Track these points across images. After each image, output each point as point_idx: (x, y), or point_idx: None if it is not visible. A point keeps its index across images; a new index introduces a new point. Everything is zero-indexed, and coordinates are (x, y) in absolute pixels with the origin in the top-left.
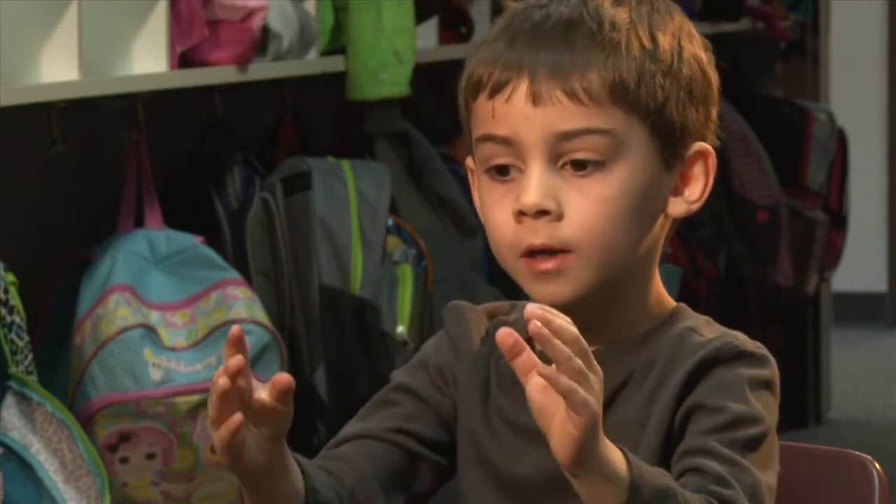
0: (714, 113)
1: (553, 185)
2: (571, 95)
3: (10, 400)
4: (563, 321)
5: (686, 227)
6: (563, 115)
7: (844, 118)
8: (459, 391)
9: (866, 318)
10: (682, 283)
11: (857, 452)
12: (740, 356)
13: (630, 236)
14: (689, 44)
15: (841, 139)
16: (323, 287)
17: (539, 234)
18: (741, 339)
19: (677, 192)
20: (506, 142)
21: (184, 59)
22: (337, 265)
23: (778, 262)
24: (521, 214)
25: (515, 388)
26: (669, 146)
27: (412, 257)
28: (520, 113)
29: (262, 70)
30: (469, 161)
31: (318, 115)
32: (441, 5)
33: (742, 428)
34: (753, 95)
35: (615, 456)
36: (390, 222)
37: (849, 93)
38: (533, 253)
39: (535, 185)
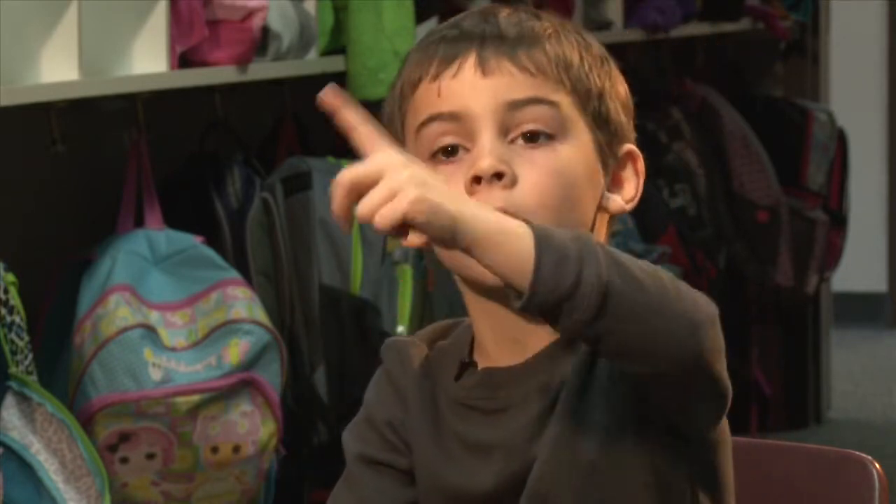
0: (633, 132)
1: (504, 153)
2: (520, 66)
3: (10, 400)
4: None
5: (686, 227)
6: (512, 84)
7: (844, 118)
8: (411, 430)
9: (866, 318)
10: None
11: (857, 452)
12: None
13: (577, 214)
14: (615, 65)
15: (841, 139)
16: (323, 287)
17: (495, 198)
18: None
19: (612, 190)
20: (454, 118)
21: (184, 59)
22: (337, 265)
23: (778, 262)
24: (475, 182)
25: (471, 410)
26: (606, 140)
27: (412, 257)
28: (468, 84)
29: (262, 70)
30: None
31: (318, 115)
32: (441, 5)
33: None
34: (753, 95)
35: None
36: None
37: (849, 93)
38: None
39: (488, 150)
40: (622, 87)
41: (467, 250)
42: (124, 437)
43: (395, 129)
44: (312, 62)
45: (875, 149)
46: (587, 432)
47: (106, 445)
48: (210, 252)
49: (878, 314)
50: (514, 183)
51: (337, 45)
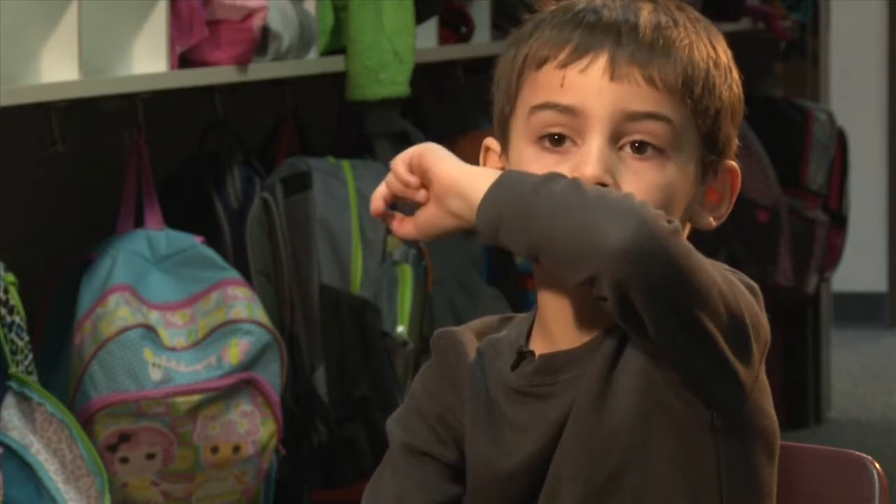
0: (736, 140)
1: (611, 161)
2: (648, 79)
3: (10, 400)
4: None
5: None
6: (636, 95)
7: (844, 118)
8: (465, 419)
9: (866, 318)
10: None
11: (857, 452)
12: None
13: None
14: (734, 64)
15: (841, 139)
16: (323, 287)
17: None
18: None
19: (702, 205)
20: (570, 111)
21: (184, 59)
22: (337, 265)
23: (778, 262)
24: None
25: (525, 397)
26: (711, 157)
27: (412, 257)
28: (594, 85)
29: (262, 70)
30: (489, 141)
31: (318, 115)
32: (441, 5)
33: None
34: (753, 95)
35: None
36: None
37: (849, 93)
38: None
39: (595, 157)
40: (737, 93)
41: (437, 199)
42: (124, 437)
43: (507, 92)
44: (312, 62)
45: (875, 149)
46: (611, 411)
47: (106, 445)
48: (210, 252)
49: (878, 314)
50: None
51: (337, 45)
